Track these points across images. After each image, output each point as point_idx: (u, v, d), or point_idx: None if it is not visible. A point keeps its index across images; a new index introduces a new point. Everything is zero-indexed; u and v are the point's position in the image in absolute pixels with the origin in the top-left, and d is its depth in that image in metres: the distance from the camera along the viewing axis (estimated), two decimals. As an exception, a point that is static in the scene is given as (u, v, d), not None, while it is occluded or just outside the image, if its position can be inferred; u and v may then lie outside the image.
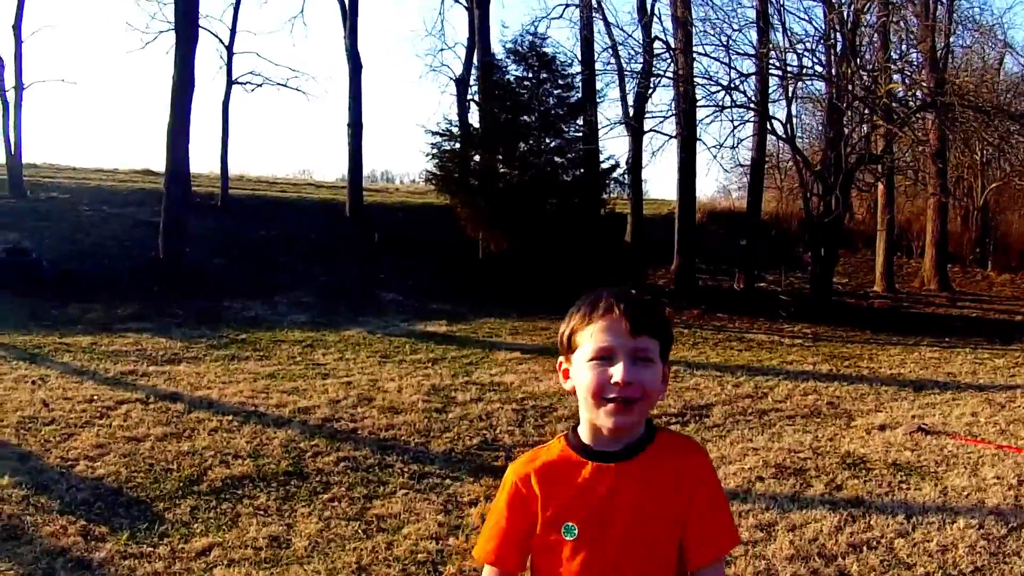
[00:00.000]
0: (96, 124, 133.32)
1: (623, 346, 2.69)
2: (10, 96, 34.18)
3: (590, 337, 2.73)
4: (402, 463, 9.88)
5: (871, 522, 8.10)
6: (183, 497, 8.55)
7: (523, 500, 2.79)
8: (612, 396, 2.67)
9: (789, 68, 29.49)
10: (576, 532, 2.73)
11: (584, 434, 2.82)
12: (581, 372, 2.75)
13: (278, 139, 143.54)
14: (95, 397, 12.69)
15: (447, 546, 7.44)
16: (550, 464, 2.82)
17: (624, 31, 49.56)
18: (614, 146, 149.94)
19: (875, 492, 9.13)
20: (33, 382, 13.72)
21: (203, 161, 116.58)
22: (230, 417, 11.70)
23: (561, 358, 2.90)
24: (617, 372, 2.66)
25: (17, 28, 34.55)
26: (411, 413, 12.36)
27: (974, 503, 8.83)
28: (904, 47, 31.84)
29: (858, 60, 28.19)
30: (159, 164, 29.30)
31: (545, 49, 32.67)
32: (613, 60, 34.84)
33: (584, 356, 2.74)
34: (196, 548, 7.29)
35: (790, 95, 30.52)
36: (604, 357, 2.70)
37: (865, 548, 7.48)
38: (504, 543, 2.81)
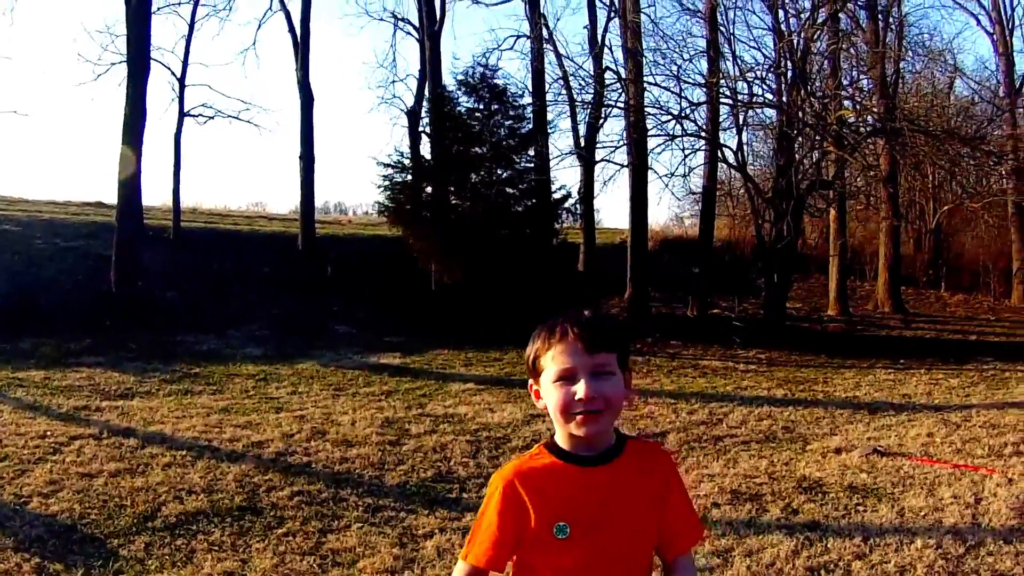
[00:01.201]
0: (48, 156, 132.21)
1: (583, 365, 2.93)
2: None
3: (552, 360, 2.98)
4: (356, 496, 9.81)
5: (828, 545, 8.10)
6: (137, 533, 8.45)
7: (513, 505, 2.96)
8: (579, 411, 2.92)
9: (740, 96, 29.61)
10: (568, 531, 2.93)
11: (562, 443, 3.06)
12: (549, 392, 3.01)
13: (231, 171, 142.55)
14: (48, 433, 12.58)
15: (403, 579, 7.37)
16: (536, 469, 3.02)
17: (575, 62, 49.64)
18: (566, 176, 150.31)
19: (832, 515, 9.14)
20: (-15, 418, 13.59)
21: (156, 194, 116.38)
22: (184, 452, 11.62)
23: (531, 380, 3.15)
24: (580, 389, 2.91)
25: (-32, 62, 34.44)
26: (365, 446, 12.30)
27: (931, 523, 8.84)
28: (855, 74, 32.09)
29: (808, 87, 28.33)
30: (111, 196, 29.05)
31: (496, 80, 32.70)
32: (564, 91, 34.78)
33: (549, 377, 2.99)
34: (150, 585, 7.22)
35: (741, 123, 30.61)
36: (567, 377, 2.94)
37: (822, 572, 7.48)
38: (498, 546, 2.97)
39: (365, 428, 13.56)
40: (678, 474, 3.26)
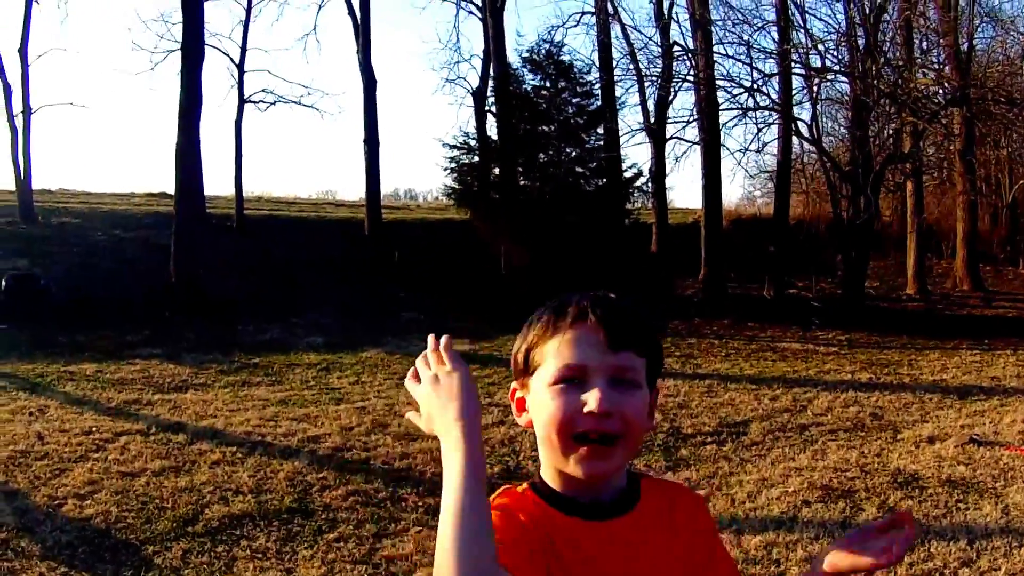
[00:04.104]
0: (114, 148, 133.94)
1: (600, 364, 1.95)
2: (18, 121, 33.95)
3: (555, 352, 1.99)
4: (416, 496, 9.22)
5: (931, 550, 7.43)
6: (175, 539, 7.95)
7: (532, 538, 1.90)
8: (584, 431, 1.92)
9: (811, 68, 29.15)
10: None
11: (552, 482, 2.05)
12: (542, 400, 1.99)
13: (301, 160, 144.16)
14: (93, 429, 12.16)
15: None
16: (537, 518, 1.97)
17: (643, 34, 49.02)
18: (636, 154, 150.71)
19: (932, 514, 8.48)
20: (31, 413, 13.27)
21: (222, 183, 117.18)
22: (234, 448, 11.09)
23: (515, 384, 2.15)
24: (592, 399, 1.91)
25: (23, 52, 34.26)
26: (428, 440, 11.51)
27: (1039, 522, 8.13)
28: (925, 44, 31.45)
29: (882, 58, 27.72)
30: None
31: (562, 57, 32.58)
32: (632, 66, 34.36)
33: (546, 378, 1.99)
34: (182, 599, 6.67)
35: (815, 95, 30.13)
36: (574, 379, 1.95)
37: (927, 581, 6.78)
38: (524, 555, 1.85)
39: (430, 420, 12.90)
40: (715, 526, 2.29)
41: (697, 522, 2.14)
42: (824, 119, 41.86)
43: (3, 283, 23.93)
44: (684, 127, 33.47)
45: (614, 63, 35.62)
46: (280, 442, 11.57)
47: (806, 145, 35.35)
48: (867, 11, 27.67)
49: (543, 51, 32.44)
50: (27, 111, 34.18)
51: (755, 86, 28.75)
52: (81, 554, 7.59)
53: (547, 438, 1.98)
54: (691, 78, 31.81)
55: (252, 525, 8.31)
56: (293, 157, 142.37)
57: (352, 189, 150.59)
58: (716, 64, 30.29)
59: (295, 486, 9.49)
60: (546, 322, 2.05)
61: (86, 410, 13.61)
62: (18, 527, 8.16)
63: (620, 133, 33.44)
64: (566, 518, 1.98)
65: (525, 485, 2.08)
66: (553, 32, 43.90)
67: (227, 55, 39.47)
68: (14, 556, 7.49)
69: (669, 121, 35.47)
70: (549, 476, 2.05)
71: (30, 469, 10.07)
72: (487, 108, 39.17)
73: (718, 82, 29.75)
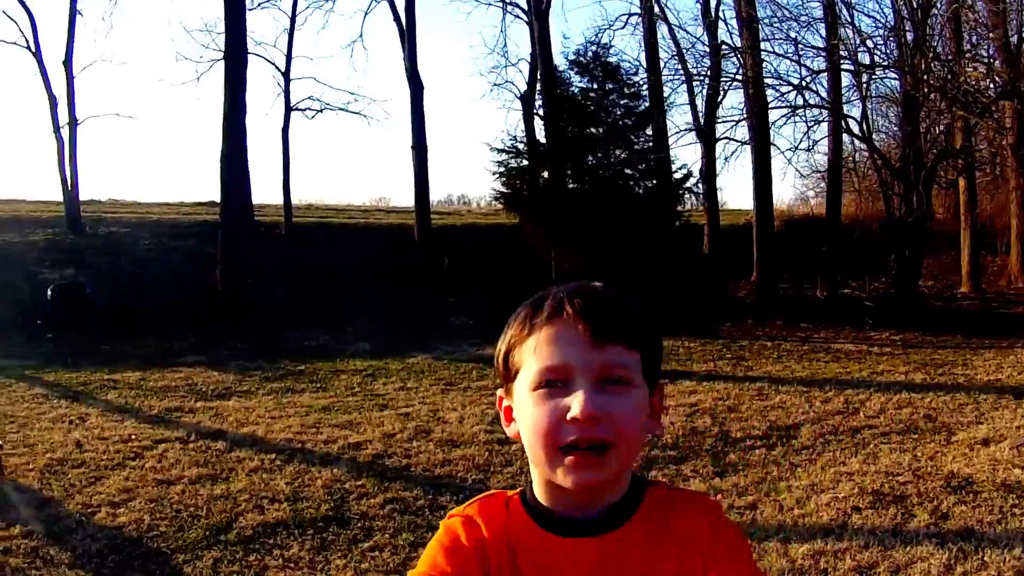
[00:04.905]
0: (167, 158, 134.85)
1: (584, 362, 1.72)
2: (64, 132, 33.91)
3: (534, 353, 1.75)
4: (456, 503, 8.83)
5: (985, 558, 7.12)
6: (207, 548, 7.78)
7: (466, 558, 1.77)
8: (571, 440, 1.68)
9: (860, 64, 28.93)
10: None
11: (540, 494, 1.82)
12: (525, 407, 1.77)
13: (355, 167, 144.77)
14: (133, 436, 12.09)
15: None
16: (505, 530, 1.81)
17: (689, 33, 48.80)
18: (685, 155, 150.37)
19: (986, 520, 8.14)
20: (71, 422, 13.23)
21: (273, 192, 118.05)
22: (273, 456, 10.95)
23: (500, 391, 1.91)
24: (576, 403, 1.68)
25: (68, 64, 34.34)
26: (471, 446, 11.47)
27: (1097, 528, 7.84)
28: (974, 38, 31.07)
29: (931, 52, 27.45)
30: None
31: (609, 59, 32.42)
32: (679, 66, 34.17)
33: (527, 383, 1.76)
34: (210, 610, 6.52)
35: (864, 92, 29.86)
36: (555, 381, 1.72)
37: (980, 591, 6.51)
38: None
39: (473, 426, 12.75)
40: (734, 537, 1.85)
41: (698, 539, 1.80)
42: (874, 116, 41.59)
43: (49, 293, 24.02)
44: (734, 127, 33.36)
45: (661, 63, 35.54)
46: (320, 449, 11.46)
47: (857, 143, 35.11)
48: (915, 5, 27.49)
49: (590, 53, 32.43)
50: (73, 122, 34.26)
51: (804, 83, 28.66)
52: (110, 563, 7.46)
53: (534, 449, 1.77)
54: (739, 77, 31.67)
55: (286, 534, 8.14)
56: (347, 164, 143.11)
57: (406, 195, 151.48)
58: (764, 62, 30.17)
59: (332, 494, 9.32)
60: (523, 319, 1.84)
61: (127, 418, 13.55)
62: (49, 535, 8.06)
63: (669, 134, 33.26)
64: (540, 532, 1.79)
65: (515, 493, 1.89)
66: (599, 34, 43.68)
67: (272, 63, 39.68)
68: (43, 564, 7.39)
69: (718, 121, 35.20)
70: (539, 489, 1.83)
71: (66, 477, 10.01)
72: (535, 111, 39.07)
73: (766, 80, 29.62)
